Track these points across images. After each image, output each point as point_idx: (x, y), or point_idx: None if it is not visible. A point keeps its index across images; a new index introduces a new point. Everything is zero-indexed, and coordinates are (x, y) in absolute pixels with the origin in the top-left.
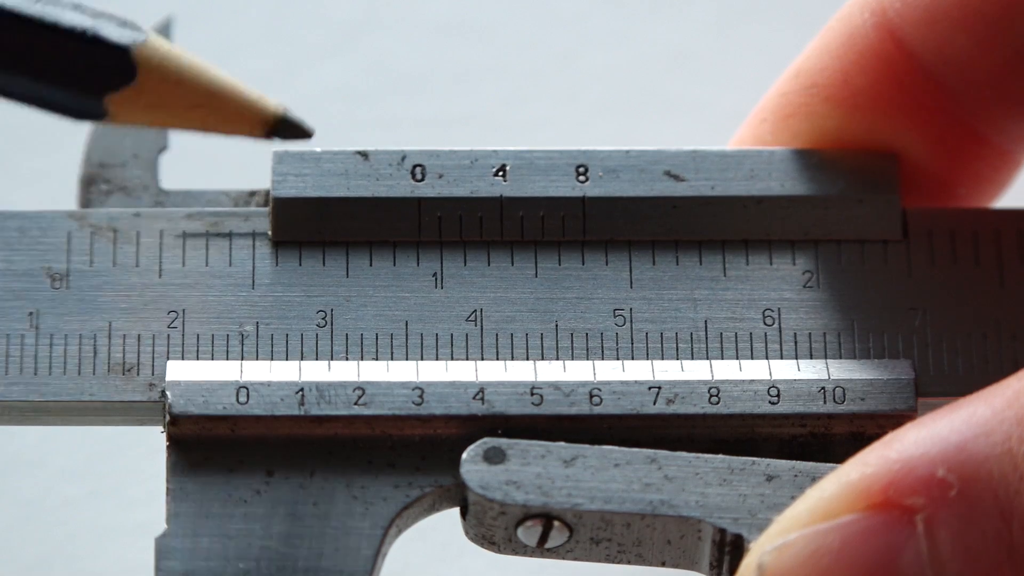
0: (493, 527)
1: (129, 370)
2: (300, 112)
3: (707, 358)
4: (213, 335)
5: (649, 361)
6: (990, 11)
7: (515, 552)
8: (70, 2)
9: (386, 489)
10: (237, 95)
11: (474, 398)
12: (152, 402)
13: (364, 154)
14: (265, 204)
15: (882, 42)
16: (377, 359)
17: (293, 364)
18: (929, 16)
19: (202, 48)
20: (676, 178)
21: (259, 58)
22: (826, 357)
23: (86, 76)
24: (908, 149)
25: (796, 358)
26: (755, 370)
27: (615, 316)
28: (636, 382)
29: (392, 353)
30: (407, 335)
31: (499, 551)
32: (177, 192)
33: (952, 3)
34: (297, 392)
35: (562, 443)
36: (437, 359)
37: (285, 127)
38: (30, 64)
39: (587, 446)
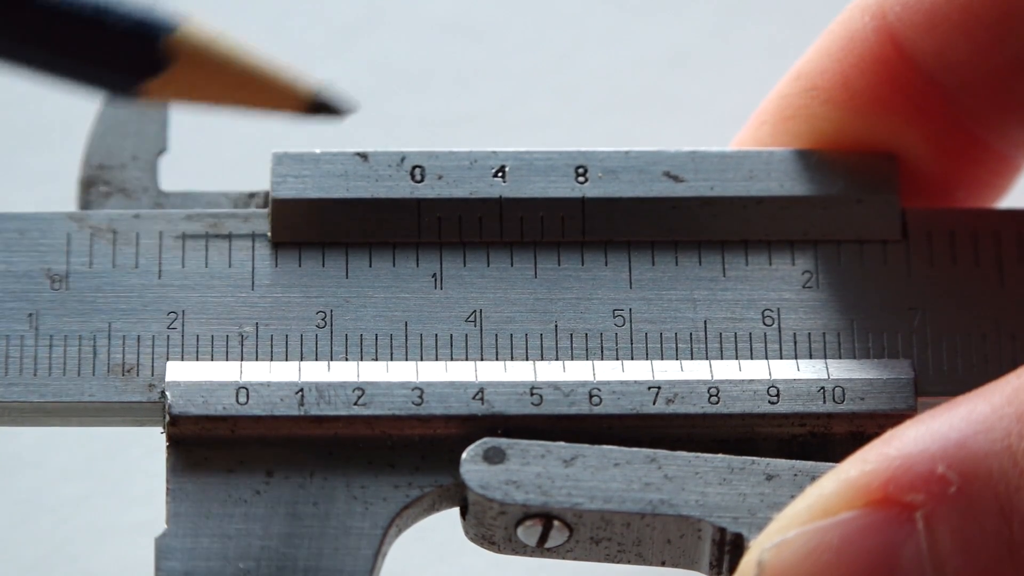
0: (493, 527)
1: (129, 371)
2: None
3: (707, 358)
4: (213, 336)
5: (649, 361)
6: (990, 15)
7: (515, 552)
8: None
9: (386, 489)
10: (275, 74)
11: (474, 398)
12: (152, 403)
13: (363, 155)
14: (264, 205)
15: (882, 45)
16: (377, 359)
17: (293, 365)
18: (929, 20)
19: None
20: (675, 179)
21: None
22: (825, 357)
23: (121, 61)
24: (908, 153)
25: (795, 358)
26: (755, 370)
27: (614, 316)
28: (636, 382)
29: (392, 353)
30: (407, 335)
31: (499, 551)
32: (176, 194)
33: (952, 7)
34: (297, 392)
35: (562, 443)
36: (437, 359)
37: (323, 104)
38: (66, 46)
39: (587, 446)
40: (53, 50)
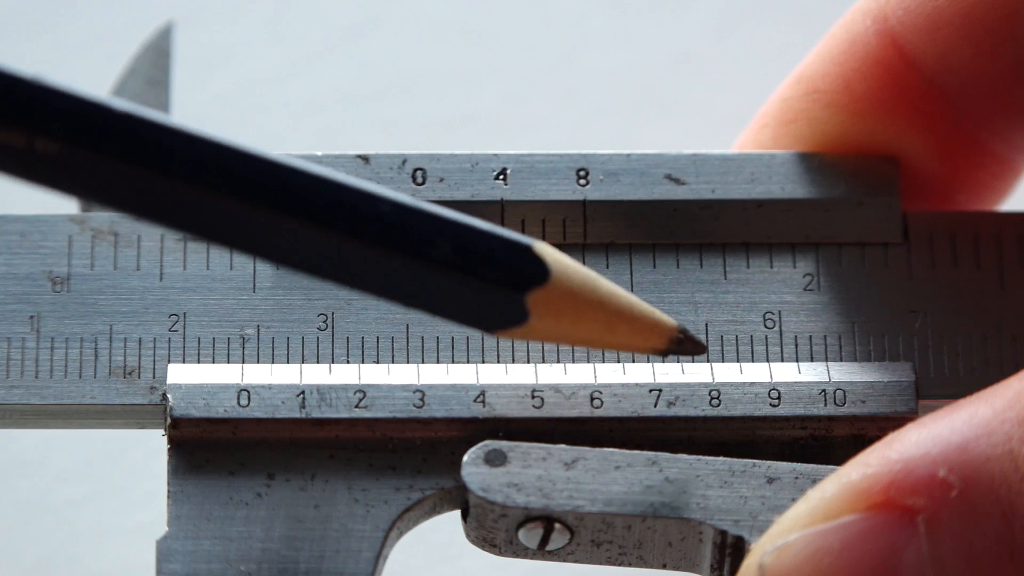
0: (494, 529)
1: (130, 373)
2: (300, 114)
3: (708, 360)
4: (214, 338)
5: (650, 363)
6: (992, 20)
7: (516, 554)
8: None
9: (387, 492)
10: (639, 317)
11: (475, 401)
12: (153, 405)
13: (365, 158)
14: None
15: (884, 49)
16: (378, 362)
17: (294, 367)
18: (931, 24)
19: (203, 49)
20: (677, 181)
21: (259, 59)
22: (827, 360)
23: (487, 314)
24: (909, 156)
25: (797, 360)
26: (756, 373)
27: None
28: (637, 384)
29: (393, 356)
30: (408, 338)
31: (500, 553)
32: None
33: (954, 11)
34: (298, 395)
35: (563, 445)
36: (438, 362)
37: (682, 342)
38: (460, 261)
39: (588, 448)
40: (431, 297)
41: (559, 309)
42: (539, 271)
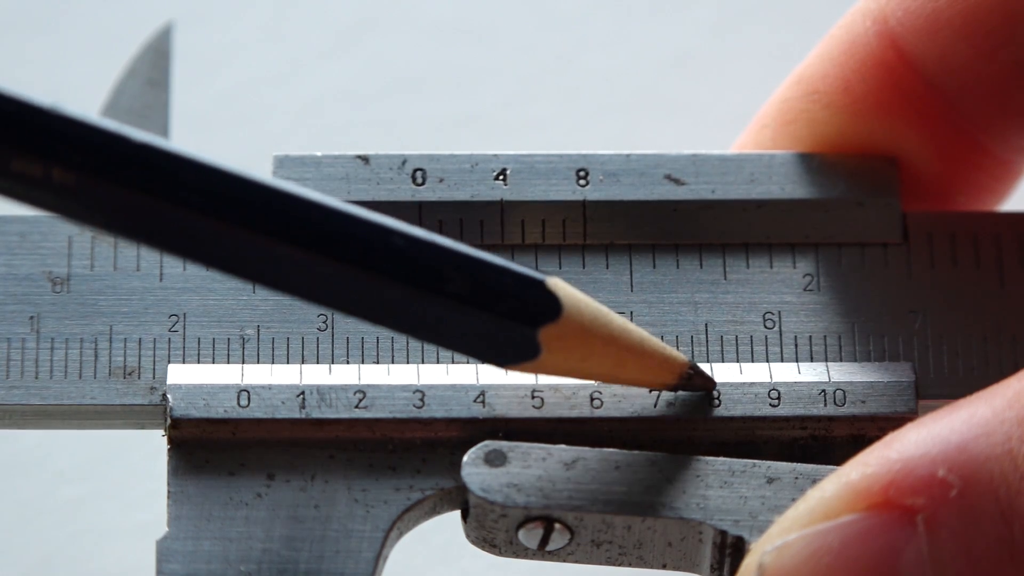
0: (494, 530)
1: (130, 374)
2: (300, 114)
3: (708, 361)
4: (214, 339)
5: None
6: (992, 21)
7: (516, 554)
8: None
9: (387, 492)
10: (650, 353)
11: (475, 401)
12: (153, 405)
13: (365, 158)
14: None
15: (884, 50)
16: (378, 362)
17: (294, 367)
18: (931, 25)
19: (203, 49)
20: (676, 182)
21: (259, 59)
22: (826, 360)
23: (520, 307)
24: (909, 157)
25: (796, 361)
26: (756, 373)
27: None
28: None
29: (393, 356)
30: (408, 338)
31: (500, 553)
32: None
33: (954, 13)
34: (298, 395)
35: (563, 446)
36: (438, 362)
37: (692, 377)
38: (473, 295)
39: (588, 449)
40: (442, 330)
41: (571, 345)
42: (552, 306)
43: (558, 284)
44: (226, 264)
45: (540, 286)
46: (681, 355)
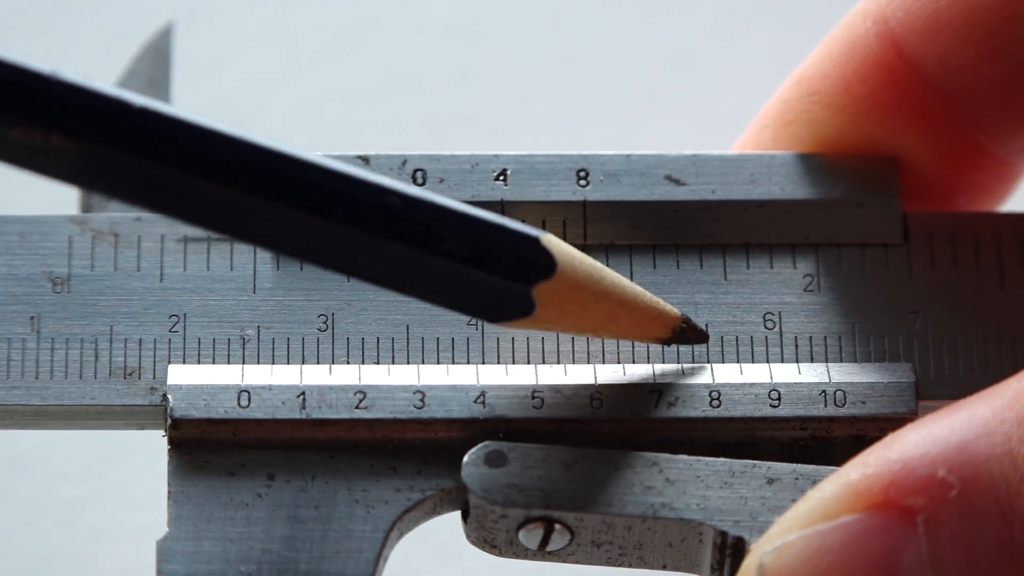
0: (494, 530)
1: (130, 374)
2: (300, 114)
3: (708, 361)
4: (214, 339)
5: (650, 364)
6: (991, 22)
7: (516, 555)
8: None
9: (387, 492)
10: (644, 307)
11: (475, 401)
12: (153, 406)
13: (365, 159)
14: None
15: (884, 51)
16: (378, 363)
17: (294, 368)
18: (931, 26)
19: (203, 50)
20: (677, 182)
21: (259, 60)
22: (827, 360)
23: (515, 265)
24: (909, 158)
25: (797, 361)
26: (756, 373)
27: None
28: (637, 385)
29: (393, 357)
30: (408, 339)
31: (500, 554)
32: None
33: (954, 14)
34: (298, 396)
35: (563, 446)
36: (438, 363)
37: (685, 331)
38: (468, 254)
39: (588, 449)
40: (438, 288)
41: (565, 301)
42: (546, 263)
43: (552, 240)
44: (225, 226)
45: (535, 243)
46: (674, 309)
